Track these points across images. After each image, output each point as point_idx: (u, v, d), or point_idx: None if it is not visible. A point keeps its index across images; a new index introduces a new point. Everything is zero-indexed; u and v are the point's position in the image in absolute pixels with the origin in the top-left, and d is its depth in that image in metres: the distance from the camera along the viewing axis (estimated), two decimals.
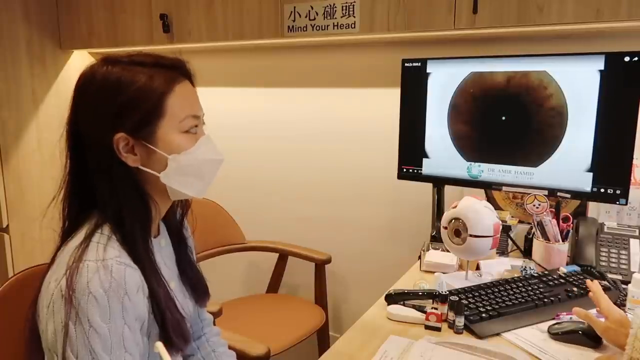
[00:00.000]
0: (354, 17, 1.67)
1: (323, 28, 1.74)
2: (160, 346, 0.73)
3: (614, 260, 1.39)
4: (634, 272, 1.27)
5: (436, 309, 1.13)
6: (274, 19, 1.81)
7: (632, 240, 1.43)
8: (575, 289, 1.24)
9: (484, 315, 1.12)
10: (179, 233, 0.98)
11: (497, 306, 1.15)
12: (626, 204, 1.39)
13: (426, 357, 0.98)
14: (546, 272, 1.35)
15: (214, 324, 1.13)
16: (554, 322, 1.11)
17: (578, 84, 1.40)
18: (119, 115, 0.78)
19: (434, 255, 1.48)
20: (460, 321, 1.09)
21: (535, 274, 1.33)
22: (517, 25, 1.46)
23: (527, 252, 1.52)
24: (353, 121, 2.08)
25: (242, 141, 2.34)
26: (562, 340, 1.05)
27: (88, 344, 0.71)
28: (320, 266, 1.99)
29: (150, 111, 0.78)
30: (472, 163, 1.58)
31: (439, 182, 1.68)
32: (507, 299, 1.18)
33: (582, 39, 1.63)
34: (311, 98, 2.15)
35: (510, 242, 1.57)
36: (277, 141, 2.26)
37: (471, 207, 1.28)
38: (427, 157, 1.65)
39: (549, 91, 1.44)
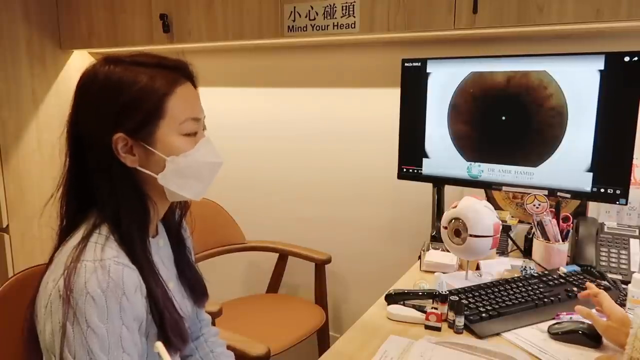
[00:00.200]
0: (354, 17, 1.67)
1: (323, 28, 1.74)
2: (160, 346, 0.73)
3: (614, 260, 1.39)
4: (634, 272, 1.27)
5: (436, 308, 1.13)
6: (274, 19, 1.81)
7: (632, 240, 1.43)
8: (575, 288, 1.24)
9: (484, 315, 1.12)
10: (178, 234, 0.98)
11: (497, 306, 1.15)
12: (626, 204, 1.39)
13: (426, 357, 0.98)
14: (546, 272, 1.35)
15: (214, 324, 1.13)
16: (554, 322, 1.11)
17: (578, 84, 1.40)
18: (119, 115, 0.77)
19: (434, 255, 1.48)
20: (460, 321, 1.09)
21: (535, 274, 1.33)
22: (517, 25, 1.46)
23: (527, 252, 1.52)
24: (353, 121, 2.07)
25: (242, 141, 2.34)
26: (562, 340, 1.05)
27: (86, 344, 0.70)
28: (320, 266, 1.99)
29: (150, 112, 0.78)
30: (472, 163, 1.58)
31: (439, 182, 1.68)
32: (507, 299, 1.18)
33: (582, 39, 1.63)
34: (311, 98, 2.15)
35: (510, 242, 1.57)
36: (277, 141, 2.26)
37: (471, 207, 1.28)
38: (427, 157, 1.65)
39: (549, 91, 1.44)
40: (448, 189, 1.70)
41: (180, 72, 0.83)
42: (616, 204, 1.40)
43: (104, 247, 0.75)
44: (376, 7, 1.63)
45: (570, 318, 1.11)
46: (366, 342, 1.06)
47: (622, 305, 1.16)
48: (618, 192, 1.38)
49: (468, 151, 1.59)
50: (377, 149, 2.04)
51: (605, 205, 1.55)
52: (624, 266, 1.37)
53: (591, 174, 1.41)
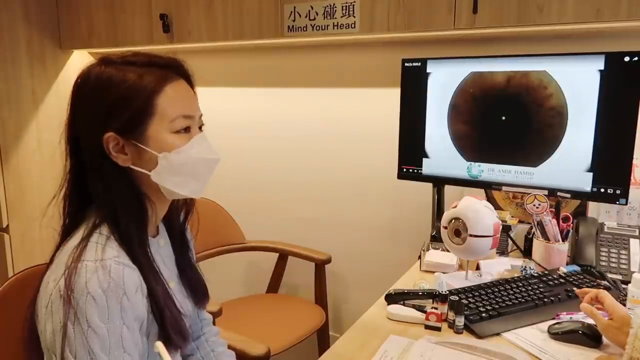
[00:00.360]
0: (354, 17, 1.67)
1: (323, 28, 1.74)
2: (160, 346, 0.73)
3: (614, 260, 1.39)
4: (634, 272, 1.27)
5: (436, 308, 1.13)
6: (274, 19, 1.81)
7: (632, 240, 1.43)
8: (575, 288, 1.24)
9: (484, 315, 1.12)
10: (181, 235, 0.98)
11: (497, 306, 1.15)
12: (626, 203, 1.39)
13: (426, 357, 0.98)
14: (546, 272, 1.35)
15: (214, 324, 1.13)
16: (554, 322, 1.11)
17: (578, 84, 1.40)
18: (109, 114, 0.78)
19: (434, 255, 1.48)
20: (460, 321, 1.09)
21: (535, 274, 1.33)
22: (517, 25, 1.46)
23: (527, 252, 1.52)
24: (353, 121, 2.08)
25: (242, 141, 2.34)
26: (562, 340, 1.05)
27: (86, 344, 0.70)
28: (320, 266, 1.99)
29: (139, 110, 0.78)
30: (472, 163, 1.58)
31: (439, 182, 1.68)
32: (507, 298, 1.18)
33: (582, 39, 1.63)
34: (311, 98, 2.15)
35: (510, 242, 1.57)
36: (277, 141, 2.26)
37: (471, 207, 1.28)
38: (427, 157, 1.65)
39: (548, 91, 1.44)
40: (448, 189, 1.70)
41: (172, 70, 0.83)
42: (616, 204, 1.40)
43: (104, 247, 0.76)
44: (376, 7, 1.63)
45: (570, 318, 1.11)
46: (366, 342, 1.06)
47: (622, 305, 1.16)
48: (618, 192, 1.38)
49: (468, 151, 1.59)
50: (377, 149, 2.04)
51: (605, 205, 1.55)
52: (624, 266, 1.37)
53: (591, 174, 1.41)
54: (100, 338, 0.71)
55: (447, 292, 1.17)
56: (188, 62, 0.87)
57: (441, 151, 1.63)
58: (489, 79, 1.51)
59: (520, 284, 1.26)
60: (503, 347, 1.03)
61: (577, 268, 1.36)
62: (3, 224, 2.21)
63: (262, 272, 2.30)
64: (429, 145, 1.65)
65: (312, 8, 1.74)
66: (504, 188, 1.55)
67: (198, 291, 0.97)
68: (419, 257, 1.51)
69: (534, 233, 1.46)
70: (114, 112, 0.77)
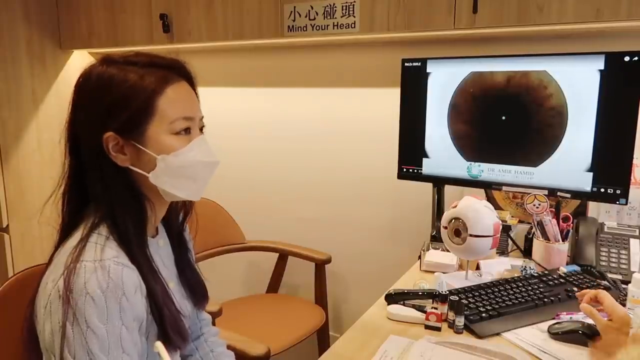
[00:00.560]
0: (354, 16, 1.67)
1: (323, 28, 1.74)
2: (159, 346, 0.73)
3: (614, 260, 1.39)
4: (634, 272, 1.27)
5: (436, 308, 1.13)
6: (274, 18, 1.81)
7: (632, 240, 1.43)
8: (575, 288, 1.24)
9: (484, 315, 1.12)
10: (180, 236, 0.98)
11: (497, 306, 1.15)
12: (626, 203, 1.39)
13: (426, 357, 0.98)
14: (546, 272, 1.35)
15: (214, 324, 1.13)
16: (554, 321, 1.11)
17: (578, 84, 1.40)
18: (109, 113, 0.78)
19: (434, 255, 1.48)
20: (460, 321, 1.09)
21: (535, 274, 1.33)
22: (517, 25, 1.45)
23: (527, 252, 1.52)
24: (353, 121, 2.07)
25: (242, 141, 2.34)
26: (562, 340, 1.05)
27: (85, 345, 0.70)
28: (320, 266, 1.99)
29: (139, 110, 0.78)
30: (472, 163, 1.58)
31: (439, 182, 1.68)
32: (507, 298, 1.18)
33: (582, 39, 1.63)
34: (311, 98, 2.15)
35: (510, 241, 1.57)
36: (277, 141, 2.26)
37: (471, 206, 1.28)
38: (427, 157, 1.65)
39: (548, 91, 1.44)
40: (448, 189, 1.70)
41: (174, 71, 0.83)
42: (616, 203, 1.40)
43: (103, 248, 0.75)
44: (376, 7, 1.63)
45: (570, 318, 1.11)
46: (366, 342, 1.06)
47: (622, 305, 1.15)
48: (618, 192, 1.38)
49: (468, 151, 1.59)
50: (377, 149, 2.04)
51: (605, 205, 1.55)
52: (624, 266, 1.37)
53: (591, 173, 1.41)
54: (99, 338, 0.71)
55: (447, 292, 1.17)
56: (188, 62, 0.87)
57: (441, 151, 1.62)
58: (489, 79, 1.51)
59: (520, 284, 1.26)
60: (503, 347, 1.03)
61: (577, 268, 1.36)
62: (3, 224, 2.21)
63: (262, 272, 2.30)
64: (429, 145, 1.65)
65: (312, 8, 1.74)
66: (504, 188, 1.55)
67: (197, 292, 0.97)
68: (419, 257, 1.51)
69: (534, 233, 1.46)
70: (114, 111, 0.77)
